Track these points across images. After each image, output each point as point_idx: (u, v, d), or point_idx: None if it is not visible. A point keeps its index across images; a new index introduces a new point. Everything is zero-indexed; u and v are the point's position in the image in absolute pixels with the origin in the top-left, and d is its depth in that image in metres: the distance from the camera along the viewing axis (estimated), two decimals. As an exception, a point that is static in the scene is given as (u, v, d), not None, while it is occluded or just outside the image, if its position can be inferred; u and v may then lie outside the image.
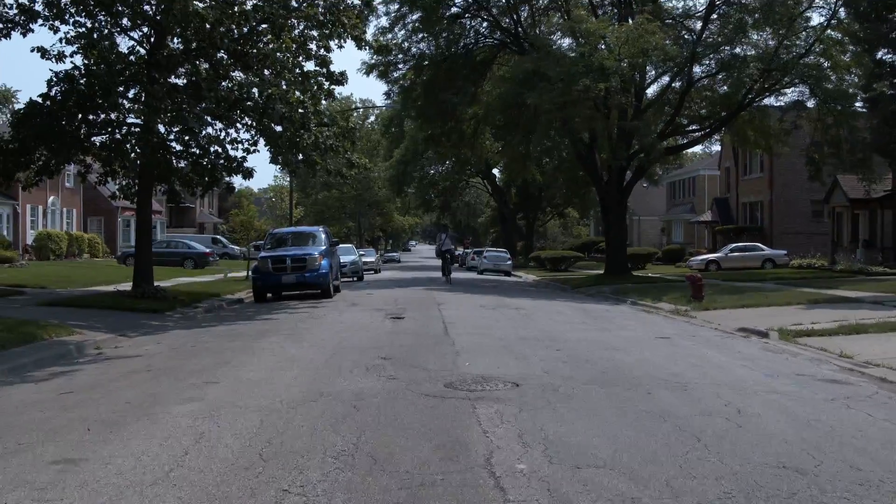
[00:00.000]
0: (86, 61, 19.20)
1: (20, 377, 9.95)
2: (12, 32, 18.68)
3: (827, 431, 6.91)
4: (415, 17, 36.23)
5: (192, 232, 69.80)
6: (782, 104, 35.26)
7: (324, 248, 24.07)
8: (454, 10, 37.19)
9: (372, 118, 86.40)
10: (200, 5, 17.16)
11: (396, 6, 36.11)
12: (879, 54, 21.72)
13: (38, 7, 18.35)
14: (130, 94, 19.83)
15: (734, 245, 46.02)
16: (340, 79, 21.27)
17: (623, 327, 15.89)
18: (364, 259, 44.97)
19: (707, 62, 33.66)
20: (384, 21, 39.24)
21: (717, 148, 56.55)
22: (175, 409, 7.59)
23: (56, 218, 52.63)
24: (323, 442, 6.24)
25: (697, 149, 50.01)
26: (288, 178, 63.40)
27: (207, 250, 47.03)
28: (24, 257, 41.65)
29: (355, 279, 36.48)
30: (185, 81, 20.06)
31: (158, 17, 18.95)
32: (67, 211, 54.56)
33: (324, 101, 21.42)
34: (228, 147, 20.37)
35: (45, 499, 4.98)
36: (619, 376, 9.45)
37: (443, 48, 36.74)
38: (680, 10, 36.69)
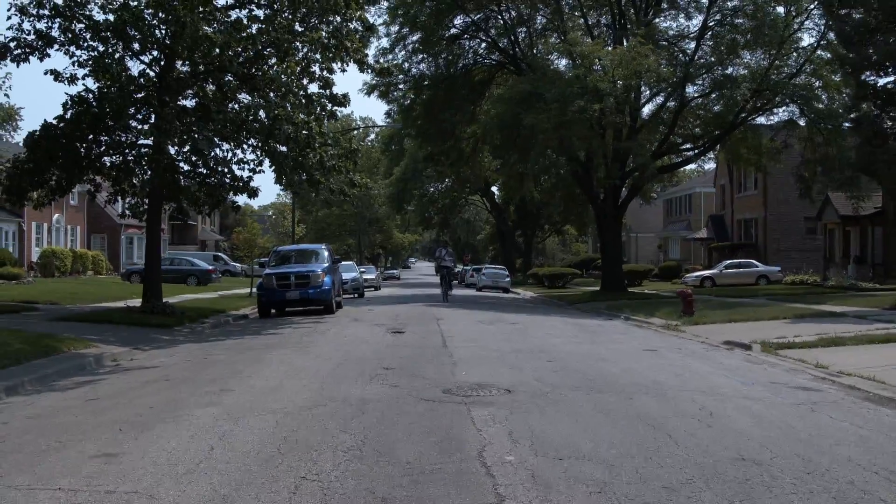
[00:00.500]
0: (98, 84, 20.02)
1: (46, 386, 10.67)
2: (30, 57, 19.48)
3: (787, 431, 7.64)
4: (415, 38, 37.27)
5: (193, 249, 70.50)
6: (775, 122, 36.28)
7: (326, 265, 24.81)
8: (453, 31, 38.23)
9: (372, 136, 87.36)
10: (209, 30, 17.93)
11: (397, 27, 37.11)
12: (864, 76, 22.53)
13: (55, 33, 19.16)
14: (140, 117, 20.62)
15: (729, 262, 46.77)
16: (343, 101, 22.07)
17: (613, 340, 16.63)
18: (365, 276, 45.73)
19: (700, 82, 34.66)
20: (385, 42, 40.11)
21: (711, 165, 57.60)
22: (196, 412, 8.32)
23: (60, 235, 53.40)
24: (333, 439, 6.97)
25: (692, 166, 50.89)
26: (290, 196, 64.20)
27: (210, 267, 47.75)
28: (29, 274, 42.34)
29: (356, 295, 37.21)
30: (193, 103, 20.86)
31: (168, 42, 19.75)
32: (72, 228, 55.32)
33: (326, 123, 22.20)
34: (234, 167, 21.17)
35: (92, 484, 5.70)
36: (605, 384, 10.19)
37: (442, 68, 37.70)
38: (674, 31, 37.66)
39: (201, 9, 18.35)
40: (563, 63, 34.85)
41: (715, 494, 5.47)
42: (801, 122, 32.98)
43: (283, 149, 20.28)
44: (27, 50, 19.23)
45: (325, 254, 26.15)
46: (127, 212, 23.41)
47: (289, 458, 6.34)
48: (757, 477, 5.92)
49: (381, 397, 8.99)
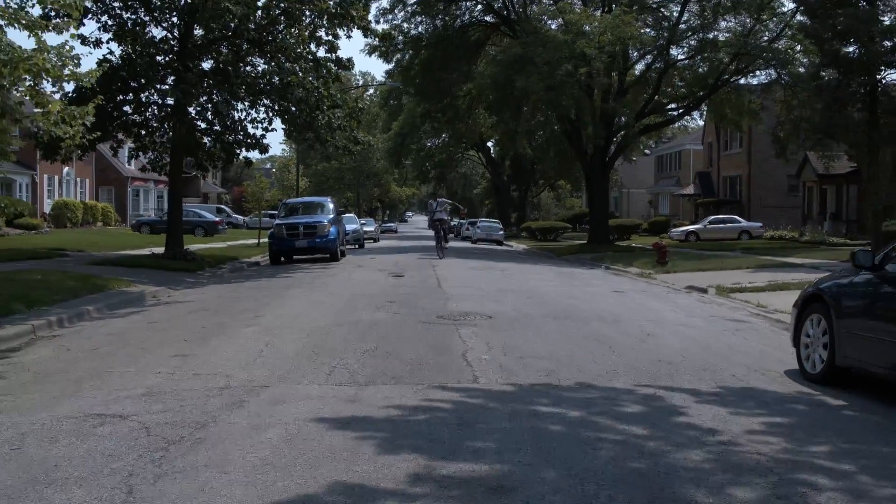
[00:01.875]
0: (121, 48, 21.92)
1: (107, 314, 12.81)
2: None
3: (704, 346, 9.86)
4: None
5: (196, 201, 72.31)
6: (755, 84, 38.20)
7: (332, 216, 26.88)
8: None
9: (371, 90, 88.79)
10: (230, 4, 19.78)
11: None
12: (828, 45, 24.38)
13: (89, 4, 20.99)
14: (162, 77, 22.53)
15: (713, 217, 48.88)
16: (347, 65, 24.05)
17: (589, 284, 18.86)
18: (364, 228, 47.79)
19: (685, 45, 36.56)
20: (385, 2, 41.75)
21: (700, 123, 59.20)
22: (241, 330, 10.51)
23: (70, 187, 55.30)
24: (353, 345, 9.16)
25: (684, 123, 52.67)
26: (292, 151, 66.00)
27: (217, 219, 49.81)
28: (44, 225, 44.37)
29: (357, 246, 39.32)
30: (210, 66, 22.77)
31: (187, 7, 21.54)
32: (81, 181, 57.16)
33: (332, 85, 24.12)
34: (249, 126, 23.19)
35: (181, 370, 7.85)
36: (570, 314, 12.41)
37: (439, 29, 39.45)
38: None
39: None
40: (554, 25, 36.55)
41: (629, 378, 7.67)
42: (780, 84, 34.83)
43: (294, 109, 22.24)
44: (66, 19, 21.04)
45: (331, 206, 28.20)
46: (147, 166, 25.38)
47: (321, 356, 8.53)
48: (664, 370, 8.13)
49: (388, 320, 11.19)
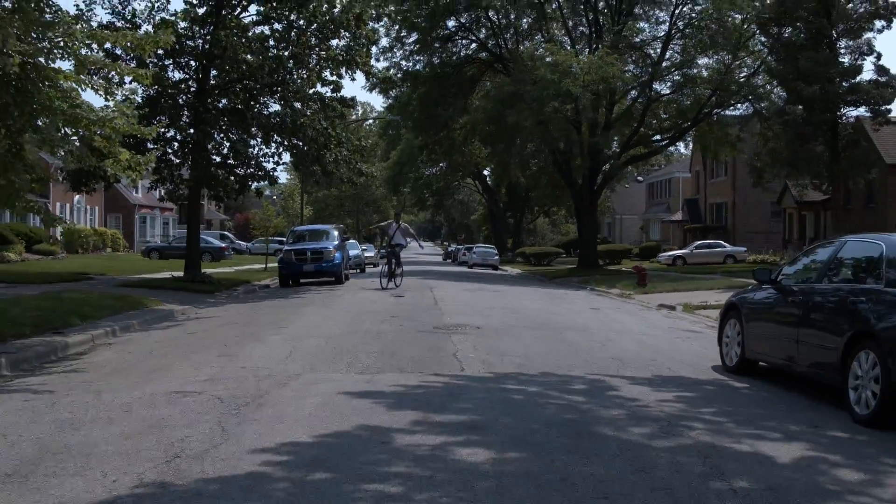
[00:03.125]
0: (143, 89, 24.10)
1: (149, 327, 14.86)
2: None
3: (654, 349, 11.94)
4: (412, 38, 41.41)
5: (200, 228, 74.61)
6: (736, 115, 40.57)
7: (336, 242, 28.95)
8: (447, 31, 42.35)
9: (370, 120, 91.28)
10: (249, 57, 21.93)
11: (396, 28, 41.21)
12: (793, 86, 26.62)
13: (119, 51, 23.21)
14: (184, 118, 24.70)
15: (699, 242, 51.07)
16: (351, 103, 26.36)
17: (570, 303, 20.97)
18: (365, 254, 49.89)
19: (668, 80, 38.98)
20: (385, 42, 44.15)
21: (687, 152, 61.49)
22: (270, 337, 12.56)
23: (81, 214, 57.44)
24: (364, 348, 11.22)
25: (666, 153, 55.01)
26: (295, 180, 68.36)
27: (223, 245, 51.86)
28: (60, 251, 46.37)
29: (358, 271, 41.38)
30: (228, 106, 24.95)
31: (206, 53, 23.72)
32: (90, 208, 59.33)
33: (338, 123, 26.32)
34: (261, 160, 25.37)
35: (229, 365, 9.89)
36: (547, 326, 14.51)
37: (436, 66, 41.81)
38: (646, 35, 41.82)
39: (239, 33, 22.41)
40: (546, 61, 38.93)
41: (583, 370, 9.74)
42: (756, 117, 37.17)
43: (304, 147, 24.42)
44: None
45: (335, 233, 30.28)
46: (165, 196, 27.50)
47: (340, 355, 10.59)
48: (614, 365, 10.21)
49: (392, 330, 13.27)
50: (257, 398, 7.63)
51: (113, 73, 10.27)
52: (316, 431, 6.33)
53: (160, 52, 23.73)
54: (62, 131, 10.25)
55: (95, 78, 10.48)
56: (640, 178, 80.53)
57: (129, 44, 10.68)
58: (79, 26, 9.88)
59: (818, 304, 8.31)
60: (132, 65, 23.40)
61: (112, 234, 57.93)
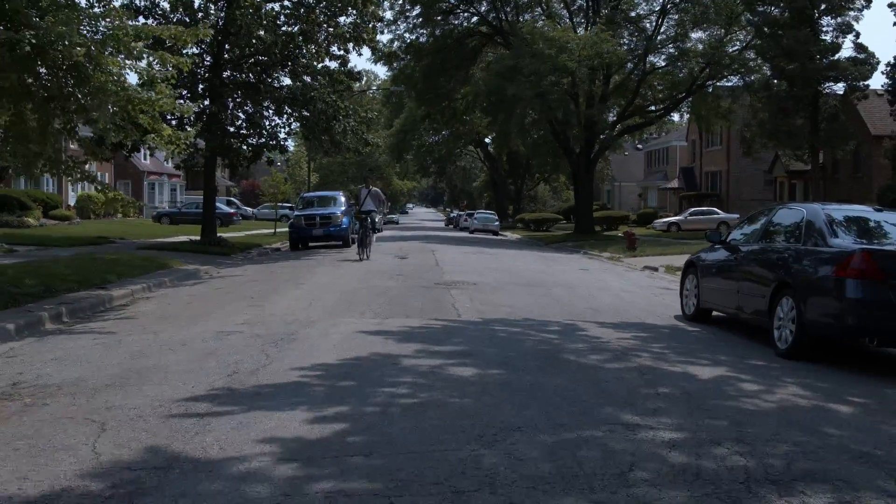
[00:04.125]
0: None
1: (178, 284, 16.52)
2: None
3: (628, 302, 13.61)
4: (415, 12, 42.71)
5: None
6: (728, 87, 42.02)
7: (344, 208, 30.57)
8: (448, 4, 43.69)
9: (374, 87, 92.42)
10: (262, 34, 23.39)
11: (400, 2, 42.59)
12: (776, 62, 28.08)
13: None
14: (199, 90, 26.20)
15: (693, 209, 52.61)
16: (357, 76, 27.84)
17: (561, 264, 22.64)
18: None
19: (664, 52, 40.43)
20: (388, 15, 45.51)
21: (685, 121, 62.82)
22: (290, 292, 14.24)
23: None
24: (374, 300, 12.90)
25: (665, 122, 56.48)
26: (303, 148, 69.81)
27: (232, 210, 53.50)
28: (74, 216, 48.03)
29: (363, 235, 43.00)
30: (243, 80, 26.44)
31: (221, 28, 25.16)
32: (101, 175, 60.70)
33: (345, 95, 27.84)
34: (274, 130, 26.93)
35: (260, 313, 11.55)
36: (537, 283, 16.19)
37: (439, 38, 43.20)
38: (643, 7, 43.17)
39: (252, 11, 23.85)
40: (544, 36, 40.29)
41: (562, 317, 11.42)
42: (745, 91, 38.63)
43: (313, 118, 25.95)
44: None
45: (342, 199, 31.88)
46: (181, 164, 29.11)
47: (353, 304, 12.27)
48: (589, 314, 11.88)
49: (398, 286, 14.95)
50: (289, 336, 9.31)
51: (156, 60, 11.76)
52: (340, 357, 8.01)
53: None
54: (111, 110, 11.81)
55: (141, 64, 12.01)
56: (639, 146, 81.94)
57: (172, 36, 12.25)
58: (129, 22, 11.40)
59: (755, 260, 9.96)
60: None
61: (123, 199, 59.43)
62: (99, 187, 14.93)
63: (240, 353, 8.18)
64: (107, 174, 61.85)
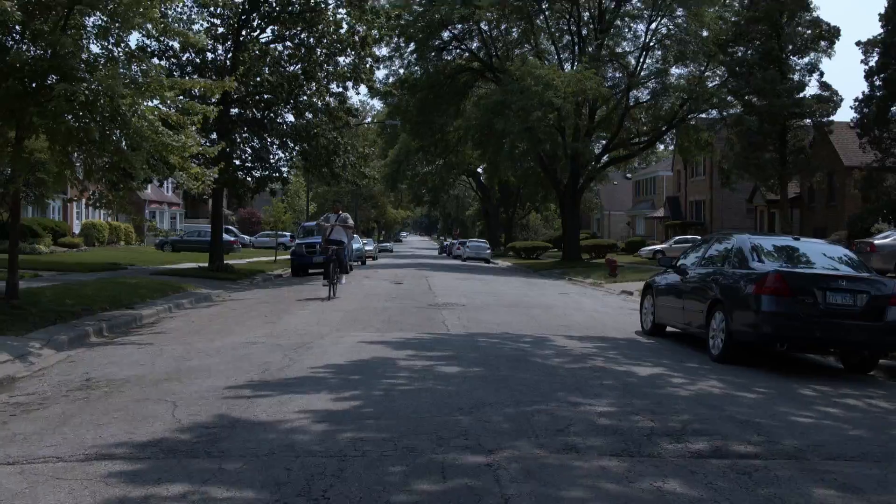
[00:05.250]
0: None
1: (195, 306, 18.30)
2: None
3: (598, 320, 15.45)
4: (410, 48, 44.88)
5: (205, 222, 77.96)
6: (708, 119, 44.20)
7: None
8: (441, 42, 45.89)
9: (369, 119, 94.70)
10: (269, 76, 25.37)
11: (395, 40, 44.68)
12: (747, 98, 30.15)
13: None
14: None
15: (678, 237, 54.50)
16: (355, 113, 29.84)
17: (544, 289, 24.50)
18: (365, 248, 53.40)
19: (647, 87, 42.61)
20: (385, 51, 47.71)
21: (669, 152, 64.98)
22: (298, 312, 16.03)
23: (95, 210, 60.77)
24: (374, 317, 14.70)
25: (650, 152, 58.65)
26: (302, 179, 71.96)
27: (233, 239, 55.24)
28: (81, 244, 49.68)
29: (360, 263, 44.81)
30: (248, 116, 28.39)
31: (229, 68, 27.12)
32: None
33: (345, 131, 29.81)
34: (278, 164, 28.85)
35: (276, 329, 13.33)
36: (519, 304, 18.03)
37: (432, 74, 45.34)
38: (627, 45, 45.44)
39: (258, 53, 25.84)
40: (531, 73, 42.45)
41: (536, 332, 13.24)
42: (722, 124, 40.77)
43: (315, 152, 27.88)
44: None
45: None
46: (195, 194, 30.90)
47: (356, 321, 14.07)
48: (561, 329, 13.70)
49: (394, 306, 16.77)
50: (305, 345, 11.11)
51: (189, 110, 13.62)
52: (349, 359, 9.81)
53: (189, 69, 27.25)
54: (147, 151, 13.65)
55: (172, 111, 13.83)
56: (629, 175, 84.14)
57: (202, 87, 14.16)
58: (166, 79, 13.30)
59: (695, 281, 11.82)
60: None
61: (125, 227, 61.27)
62: (135, 217, 16.46)
63: (266, 357, 9.96)
64: (109, 203, 63.68)
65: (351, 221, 21.14)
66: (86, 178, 14.11)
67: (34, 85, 12.82)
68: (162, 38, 26.01)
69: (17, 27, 12.78)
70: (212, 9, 25.51)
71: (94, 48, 14.34)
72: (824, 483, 5.38)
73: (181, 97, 13.90)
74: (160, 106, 13.75)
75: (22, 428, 6.46)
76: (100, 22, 13.92)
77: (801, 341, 10.13)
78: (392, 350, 10.61)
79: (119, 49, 14.26)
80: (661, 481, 5.20)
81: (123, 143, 13.39)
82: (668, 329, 13.34)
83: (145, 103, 13.34)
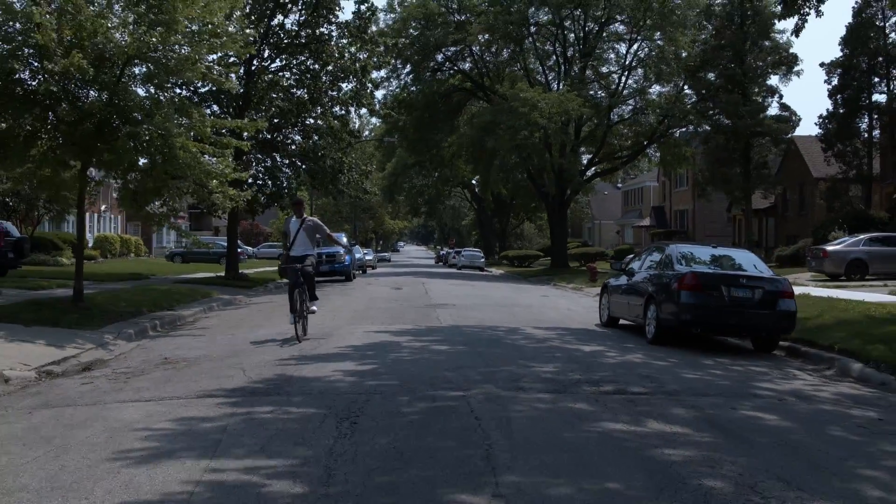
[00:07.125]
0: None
1: (223, 308, 21.19)
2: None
3: (567, 317, 18.39)
4: (406, 70, 47.98)
5: (209, 234, 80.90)
6: (685, 134, 47.29)
7: (343, 250, 35.31)
8: (436, 63, 49.00)
9: (367, 132, 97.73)
10: (281, 104, 28.37)
11: (393, 61, 47.74)
12: (715, 119, 33.23)
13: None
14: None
15: (662, 245, 57.50)
16: (357, 135, 32.83)
17: (528, 292, 27.45)
18: (365, 257, 56.37)
19: (628, 104, 45.75)
20: (383, 73, 50.82)
21: (654, 164, 67.99)
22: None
23: (106, 223, 63.70)
24: (379, 315, 17.63)
25: (637, 164, 61.69)
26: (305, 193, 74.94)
27: (239, 250, 58.01)
28: (98, 256, 52.47)
29: (360, 272, 47.76)
30: (260, 138, 31.31)
31: (242, 94, 30.03)
32: (114, 217, 65.59)
33: (348, 150, 32.74)
34: (287, 181, 31.77)
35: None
36: (503, 304, 21.00)
37: (427, 94, 48.42)
38: (609, 66, 48.57)
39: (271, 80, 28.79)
40: (519, 95, 45.57)
41: (512, 325, 16.16)
42: (697, 140, 43.84)
43: (321, 172, 30.86)
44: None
45: (345, 239, 36.68)
46: (205, 210, 33.84)
47: (364, 318, 16.98)
48: (533, 322, 16.64)
49: (395, 307, 19.71)
50: (327, 334, 14.03)
51: (227, 145, 16.61)
52: (363, 342, 12.74)
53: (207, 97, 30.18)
54: (190, 179, 16.61)
55: (208, 146, 16.78)
56: (619, 185, 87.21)
57: (237, 126, 17.16)
58: (209, 120, 16.29)
59: (636, 282, 14.78)
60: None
61: (135, 240, 64.13)
62: (182, 233, 19.40)
63: (299, 342, 12.89)
64: (119, 217, 66.69)
65: (323, 228, 15.57)
66: (132, 199, 17.01)
67: (102, 127, 15.77)
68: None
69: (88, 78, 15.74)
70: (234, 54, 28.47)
71: (141, 91, 17.35)
72: (682, 406, 8.29)
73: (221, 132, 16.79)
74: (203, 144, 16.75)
75: (140, 384, 9.37)
76: (148, 71, 16.92)
77: (712, 326, 13.12)
78: (396, 336, 13.53)
79: (163, 94, 17.27)
80: (573, 404, 8.15)
81: (173, 173, 16.35)
82: (621, 322, 16.25)
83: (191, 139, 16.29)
